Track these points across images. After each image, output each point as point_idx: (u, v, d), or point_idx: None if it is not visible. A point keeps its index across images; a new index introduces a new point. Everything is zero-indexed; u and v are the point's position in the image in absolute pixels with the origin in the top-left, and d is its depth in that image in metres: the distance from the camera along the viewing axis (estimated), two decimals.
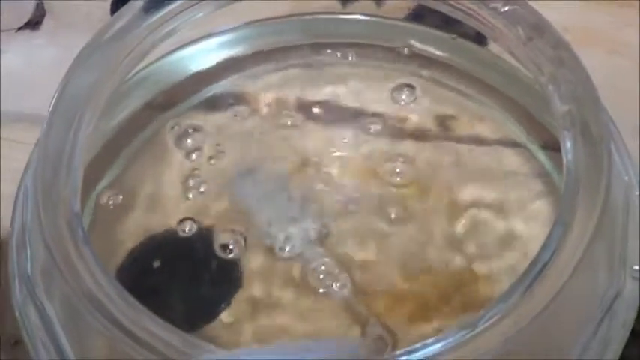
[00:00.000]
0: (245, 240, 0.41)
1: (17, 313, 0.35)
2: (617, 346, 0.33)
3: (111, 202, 0.42)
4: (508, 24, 0.38)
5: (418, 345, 0.29)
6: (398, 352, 0.29)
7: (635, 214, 0.36)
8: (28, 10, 0.61)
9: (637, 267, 0.34)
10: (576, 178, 0.32)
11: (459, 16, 0.40)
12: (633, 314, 0.34)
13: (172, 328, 0.30)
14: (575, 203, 0.31)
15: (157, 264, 0.40)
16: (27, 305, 0.34)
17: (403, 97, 0.46)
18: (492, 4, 0.38)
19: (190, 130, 0.44)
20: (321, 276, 0.39)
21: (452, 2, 0.40)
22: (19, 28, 0.60)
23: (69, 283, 0.31)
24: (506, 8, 0.38)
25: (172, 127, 0.44)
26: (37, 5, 0.61)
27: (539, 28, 0.37)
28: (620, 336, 0.33)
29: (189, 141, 0.44)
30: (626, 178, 0.36)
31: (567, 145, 0.34)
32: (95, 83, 0.37)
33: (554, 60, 0.36)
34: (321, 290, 0.39)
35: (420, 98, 0.45)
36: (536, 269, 0.30)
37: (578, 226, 0.31)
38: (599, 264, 0.33)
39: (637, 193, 0.36)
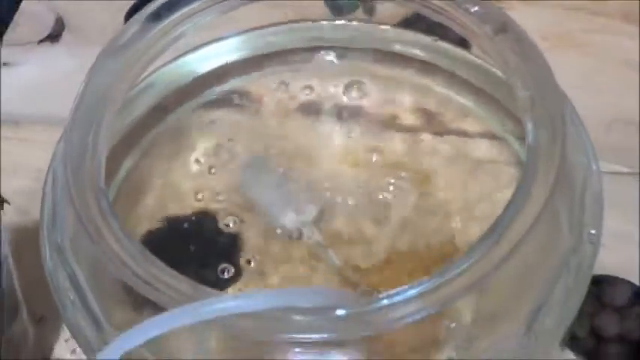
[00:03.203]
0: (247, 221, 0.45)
1: (48, 278, 0.39)
2: (577, 299, 0.37)
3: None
4: (477, 22, 0.42)
5: (397, 290, 0.34)
6: (380, 295, 0.33)
7: (593, 186, 0.40)
8: (48, 25, 0.66)
9: (594, 231, 0.39)
10: (536, 150, 0.37)
11: (436, 17, 0.44)
12: (590, 271, 0.38)
13: (185, 278, 0.34)
14: (535, 169, 0.36)
15: (169, 242, 0.45)
16: (57, 270, 0.39)
17: (392, 94, 0.50)
18: (464, 5, 0.43)
19: (198, 128, 0.48)
20: (318, 247, 0.43)
21: (430, 5, 0.44)
22: (40, 41, 0.65)
23: (97, 245, 0.35)
24: (476, 8, 0.42)
25: (181, 125, 0.49)
26: (57, 20, 0.66)
27: (504, 25, 0.41)
28: (579, 291, 0.38)
29: (197, 137, 0.48)
30: (584, 156, 0.41)
31: (529, 125, 0.38)
32: (112, 83, 0.41)
33: (517, 53, 0.40)
34: (314, 263, 0.43)
35: (406, 95, 0.50)
36: (502, 223, 0.34)
37: (538, 187, 0.35)
38: (558, 222, 0.37)
39: (594, 166, 0.40)
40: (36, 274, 0.46)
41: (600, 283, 0.49)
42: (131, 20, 0.44)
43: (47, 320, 0.50)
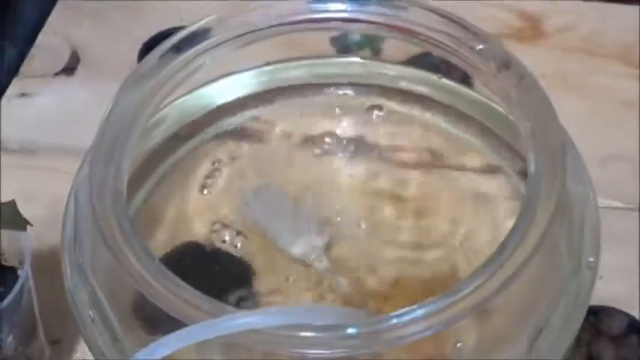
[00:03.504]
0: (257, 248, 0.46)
1: (69, 297, 0.40)
2: (576, 322, 0.39)
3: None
4: (482, 59, 0.44)
5: (406, 309, 0.35)
6: (390, 314, 0.35)
7: (591, 215, 0.42)
8: (63, 58, 0.68)
9: (592, 259, 0.41)
10: (537, 179, 0.39)
11: (443, 54, 0.46)
12: (588, 296, 0.40)
13: (205, 296, 0.36)
14: (537, 196, 0.38)
15: (183, 267, 0.46)
16: (78, 289, 0.40)
17: (397, 129, 0.51)
18: (470, 43, 0.45)
19: (211, 158, 0.50)
20: (326, 273, 0.45)
21: (437, 43, 0.46)
22: (56, 74, 0.67)
23: (120, 264, 0.37)
24: (481, 46, 0.44)
25: (195, 154, 0.50)
26: (72, 54, 0.68)
27: (507, 62, 0.43)
28: (578, 314, 0.39)
29: (210, 167, 0.50)
30: (583, 186, 0.42)
31: (530, 155, 0.40)
32: (134, 111, 0.43)
33: (519, 88, 0.42)
34: (323, 288, 0.45)
35: (410, 130, 0.51)
36: (505, 248, 0.36)
37: (539, 214, 0.37)
38: (558, 248, 0.39)
39: (592, 196, 0.42)
40: (51, 299, 0.48)
41: (598, 314, 0.50)
42: (153, 52, 0.46)
43: (62, 342, 0.52)
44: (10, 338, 0.44)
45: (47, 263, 0.50)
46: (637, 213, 0.58)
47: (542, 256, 0.37)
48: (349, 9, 0.47)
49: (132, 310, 0.39)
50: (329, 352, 0.35)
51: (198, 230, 0.47)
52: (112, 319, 0.39)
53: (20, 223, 0.43)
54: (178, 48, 0.46)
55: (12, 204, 0.43)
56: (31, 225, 0.45)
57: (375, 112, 0.52)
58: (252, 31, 0.47)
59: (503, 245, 0.37)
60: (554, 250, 0.39)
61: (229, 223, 0.48)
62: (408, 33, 0.47)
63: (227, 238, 0.47)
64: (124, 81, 0.45)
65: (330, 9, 0.47)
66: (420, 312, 0.35)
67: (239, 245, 0.47)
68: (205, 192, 0.49)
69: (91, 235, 0.40)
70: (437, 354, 0.39)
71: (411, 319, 0.35)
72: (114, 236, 0.38)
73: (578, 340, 0.44)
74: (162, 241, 0.47)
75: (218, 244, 0.47)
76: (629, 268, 0.54)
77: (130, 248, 0.37)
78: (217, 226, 0.48)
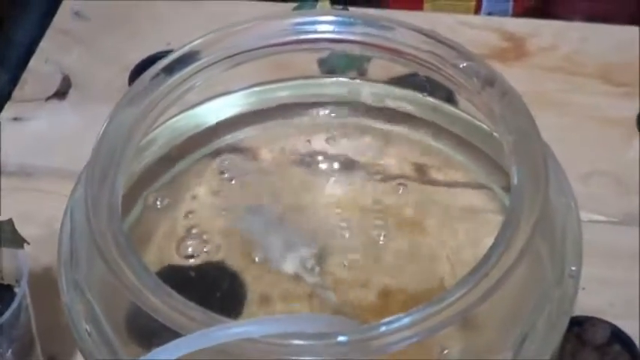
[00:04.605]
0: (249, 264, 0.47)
1: (66, 312, 0.41)
2: (560, 329, 0.40)
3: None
4: (466, 77, 0.45)
5: (393, 318, 0.36)
6: (379, 322, 0.36)
7: (573, 226, 0.43)
8: (55, 83, 0.69)
9: (574, 268, 0.42)
10: (520, 190, 0.40)
11: (428, 73, 0.47)
12: (572, 305, 0.41)
13: (199, 307, 0.37)
14: (520, 207, 0.39)
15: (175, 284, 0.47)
16: (74, 304, 0.41)
17: (383, 146, 0.53)
18: (454, 61, 0.46)
19: (202, 176, 0.51)
20: (317, 288, 0.46)
21: (422, 62, 0.47)
22: (48, 98, 0.68)
23: (116, 278, 0.38)
24: (465, 64, 0.46)
25: (187, 173, 0.51)
26: (64, 78, 0.69)
27: (490, 79, 0.45)
28: (561, 321, 0.40)
29: (201, 185, 0.51)
30: (564, 197, 0.44)
31: (513, 167, 0.41)
32: (128, 131, 0.44)
33: (502, 103, 0.44)
34: (313, 301, 0.46)
35: (396, 147, 0.53)
36: (489, 258, 0.38)
37: (522, 224, 0.38)
38: (541, 258, 0.40)
39: (573, 207, 0.43)
40: (46, 317, 0.50)
41: (581, 324, 0.52)
42: (144, 74, 0.47)
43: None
44: (9, 353, 0.44)
45: (42, 283, 0.51)
46: (618, 226, 0.59)
47: (526, 265, 0.38)
48: (336, 29, 0.49)
49: (128, 323, 0.40)
50: (320, 359, 0.36)
51: (189, 246, 0.48)
52: (109, 333, 0.40)
53: (18, 241, 0.44)
54: (169, 70, 0.47)
55: (10, 222, 0.44)
56: (28, 243, 0.46)
57: (361, 131, 0.53)
58: (241, 52, 0.48)
59: (487, 255, 0.38)
60: (537, 259, 0.40)
61: (220, 240, 0.48)
62: (394, 52, 0.48)
63: (218, 254, 0.48)
64: (118, 102, 0.46)
65: (317, 30, 0.49)
66: (406, 320, 0.36)
67: (229, 262, 0.48)
68: (196, 210, 0.50)
69: (87, 251, 0.41)
70: None
71: (398, 327, 0.36)
72: (110, 250, 0.39)
73: (562, 350, 0.45)
74: (151, 261, 0.47)
75: (208, 260, 0.48)
76: (611, 279, 0.55)
77: (125, 262, 0.39)
78: (207, 241, 0.48)
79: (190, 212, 0.50)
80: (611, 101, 0.66)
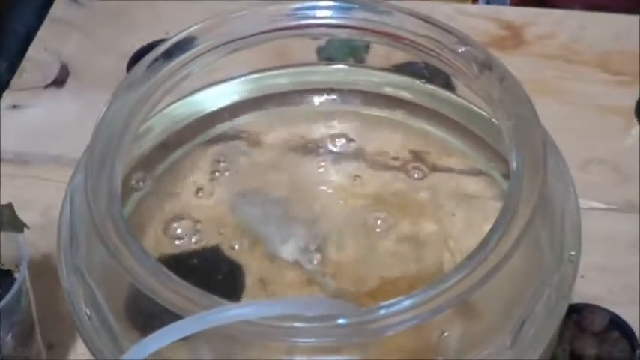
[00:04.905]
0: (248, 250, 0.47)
1: (67, 297, 0.41)
2: (558, 313, 0.40)
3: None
4: (464, 61, 0.45)
5: (393, 300, 0.36)
6: (378, 305, 0.36)
7: (572, 211, 0.43)
8: (53, 71, 0.69)
9: (573, 252, 0.42)
10: (519, 174, 0.40)
11: (426, 58, 0.47)
12: (570, 289, 0.41)
13: (199, 289, 0.37)
14: (519, 191, 0.39)
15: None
16: (75, 289, 0.41)
17: (382, 133, 0.53)
18: (452, 46, 0.46)
19: (200, 164, 0.51)
20: (316, 274, 0.46)
21: (420, 47, 0.47)
22: (46, 86, 0.68)
23: (117, 262, 0.38)
24: (463, 49, 0.46)
25: (185, 161, 0.51)
26: (62, 66, 0.69)
27: (489, 64, 0.45)
28: (561, 304, 0.40)
29: (200, 172, 0.51)
30: (563, 182, 0.44)
31: (512, 152, 0.41)
32: (127, 117, 0.44)
33: (501, 88, 0.44)
34: (313, 288, 0.46)
35: (395, 135, 0.53)
36: (489, 241, 0.38)
37: (521, 208, 0.38)
38: (540, 243, 0.40)
39: (572, 192, 0.43)
40: (45, 304, 0.49)
41: (580, 311, 0.52)
42: (142, 60, 0.47)
43: (56, 347, 0.52)
44: (8, 337, 0.44)
45: (41, 270, 0.51)
46: (617, 214, 0.59)
47: (525, 249, 0.38)
48: (334, 15, 0.49)
49: (128, 306, 0.40)
50: (319, 340, 0.36)
51: (188, 233, 0.48)
52: (109, 316, 0.40)
53: (18, 225, 0.44)
54: (166, 56, 0.47)
55: (10, 207, 0.44)
56: (28, 228, 0.46)
57: (360, 118, 0.53)
58: (239, 39, 0.48)
59: (486, 239, 0.38)
60: (536, 244, 0.40)
61: (219, 227, 0.48)
62: (392, 37, 0.48)
63: (216, 241, 0.48)
64: (116, 89, 0.46)
65: (316, 15, 0.49)
66: (406, 303, 0.36)
67: (228, 248, 0.48)
68: (195, 197, 0.50)
69: (86, 235, 0.42)
70: (424, 344, 0.40)
71: (397, 310, 0.36)
72: (110, 234, 0.39)
73: (560, 336, 0.45)
74: (152, 245, 0.48)
75: (207, 247, 0.48)
76: (610, 267, 0.55)
77: (125, 245, 0.39)
78: (206, 229, 0.48)
79: (188, 199, 0.50)
80: (610, 90, 0.66)
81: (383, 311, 0.36)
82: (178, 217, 0.49)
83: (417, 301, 0.36)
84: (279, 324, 0.36)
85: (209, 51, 0.48)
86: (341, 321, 0.36)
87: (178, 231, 0.48)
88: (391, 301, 0.36)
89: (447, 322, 0.39)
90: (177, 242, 0.48)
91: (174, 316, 0.36)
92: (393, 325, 0.36)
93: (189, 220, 0.49)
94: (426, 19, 0.47)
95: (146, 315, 0.39)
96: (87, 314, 0.40)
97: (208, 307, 0.36)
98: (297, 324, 0.36)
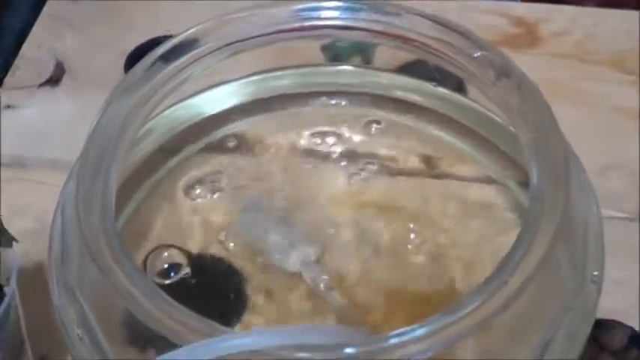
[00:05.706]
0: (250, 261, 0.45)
1: (57, 315, 0.39)
2: (582, 336, 0.38)
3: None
4: (480, 67, 0.43)
5: (406, 329, 0.34)
6: (390, 333, 0.34)
7: (595, 228, 0.41)
8: (48, 69, 0.67)
9: (596, 273, 0.40)
10: (540, 192, 0.38)
11: (438, 62, 0.45)
12: (594, 311, 0.39)
13: (198, 316, 0.34)
14: (540, 211, 0.37)
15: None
16: (66, 307, 0.39)
17: (391, 139, 0.50)
18: (467, 51, 0.44)
19: (201, 169, 0.49)
20: (321, 287, 0.44)
21: (432, 50, 0.45)
22: (41, 85, 0.66)
23: (109, 283, 0.36)
24: (479, 54, 0.43)
25: (184, 166, 0.49)
26: (57, 65, 0.67)
27: (506, 70, 0.43)
28: (583, 328, 0.38)
29: (200, 178, 0.49)
30: (586, 198, 0.42)
31: (533, 167, 0.39)
32: (122, 123, 0.42)
33: (520, 97, 0.41)
34: (316, 301, 0.44)
35: (405, 140, 0.50)
36: (508, 264, 0.35)
37: (543, 229, 0.36)
38: (562, 264, 0.38)
39: (595, 208, 0.41)
40: (38, 315, 0.47)
41: (599, 327, 0.49)
42: (140, 62, 0.45)
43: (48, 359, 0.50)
44: None
45: (34, 278, 0.49)
46: (637, 223, 0.57)
47: (546, 272, 0.36)
48: (341, 16, 0.47)
49: (121, 328, 0.38)
50: None
51: (187, 242, 0.46)
52: (101, 338, 0.38)
53: (6, 240, 0.42)
54: (166, 58, 0.45)
55: None
56: (17, 241, 0.44)
57: (368, 122, 0.51)
58: (241, 40, 0.47)
59: (505, 261, 0.36)
60: (558, 266, 0.38)
61: (220, 235, 0.46)
62: (402, 40, 0.46)
63: (217, 251, 0.46)
64: (112, 92, 0.44)
65: (322, 16, 0.47)
66: (420, 332, 0.34)
67: (229, 258, 0.46)
68: (195, 204, 0.48)
69: (78, 252, 0.39)
70: None
71: (410, 339, 0.34)
72: (102, 253, 0.37)
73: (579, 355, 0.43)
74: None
75: (208, 257, 0.46)
76: (629, 279, 0.53)
77: (118, 265, 0.36)
78: (207, 238, 0.46)
79: (188, 205, 0.48)
80: (626, 90, 0.64)
81: (394, 340, 0.34)
82: (177, 226, 0.47)
83: (432, 330, 0.34)
84: (285, 354, 0.33)
85: (210, 53, 0.46)
86: (349, 350, 0.34)
87: (178, 240, 0.46)
88: (403, 329, 0.34)
89: (464, 351, 0.37)
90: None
91: (171, 344, 0.34)
92: (405, 355, 0.34)
93: (187, 229, 0.47)
94: (437, 21, 0.45)
95: (141, 340, 0.37)
96: (78, 335, 0.38)
97: (207, 335, 0.34)
98: (303, 354, 0.33)
